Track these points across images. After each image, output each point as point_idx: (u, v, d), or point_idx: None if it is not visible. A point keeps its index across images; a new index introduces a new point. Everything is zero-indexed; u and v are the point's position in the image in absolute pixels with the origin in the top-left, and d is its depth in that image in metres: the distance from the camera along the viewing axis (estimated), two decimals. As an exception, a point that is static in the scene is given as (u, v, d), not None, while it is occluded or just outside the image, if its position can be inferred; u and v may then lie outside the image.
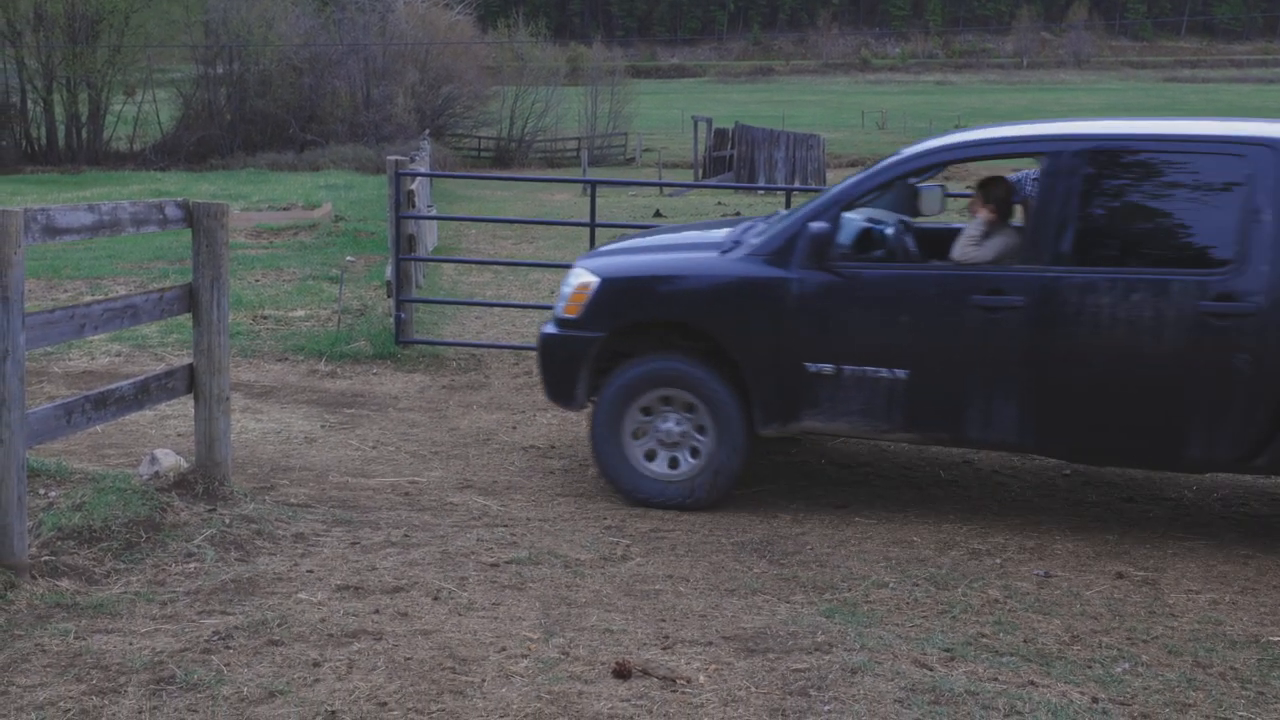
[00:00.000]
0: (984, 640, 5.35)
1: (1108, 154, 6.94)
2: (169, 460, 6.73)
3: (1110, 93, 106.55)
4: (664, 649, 4.83)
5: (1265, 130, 6.78)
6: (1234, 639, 5.54)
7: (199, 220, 6.52)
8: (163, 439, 8.45)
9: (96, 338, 10.84)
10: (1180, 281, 6.58)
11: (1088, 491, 7.83)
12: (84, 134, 54.15)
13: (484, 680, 4.51)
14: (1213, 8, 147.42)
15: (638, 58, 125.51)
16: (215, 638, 4.68)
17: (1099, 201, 6.91)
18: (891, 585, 6.11)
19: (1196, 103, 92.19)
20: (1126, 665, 5.17)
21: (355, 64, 53.97)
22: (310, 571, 5.53)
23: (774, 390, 7.20)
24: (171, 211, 6.46)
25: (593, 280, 7.52)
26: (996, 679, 4.82)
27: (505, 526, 6.76)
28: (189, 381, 6.58)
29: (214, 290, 6.52)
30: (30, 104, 54.66)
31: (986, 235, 7.39)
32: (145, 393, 6.30)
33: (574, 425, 9.25)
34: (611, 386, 7.41)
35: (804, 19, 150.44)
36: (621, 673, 4.54)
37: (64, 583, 5.20)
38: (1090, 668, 5.11)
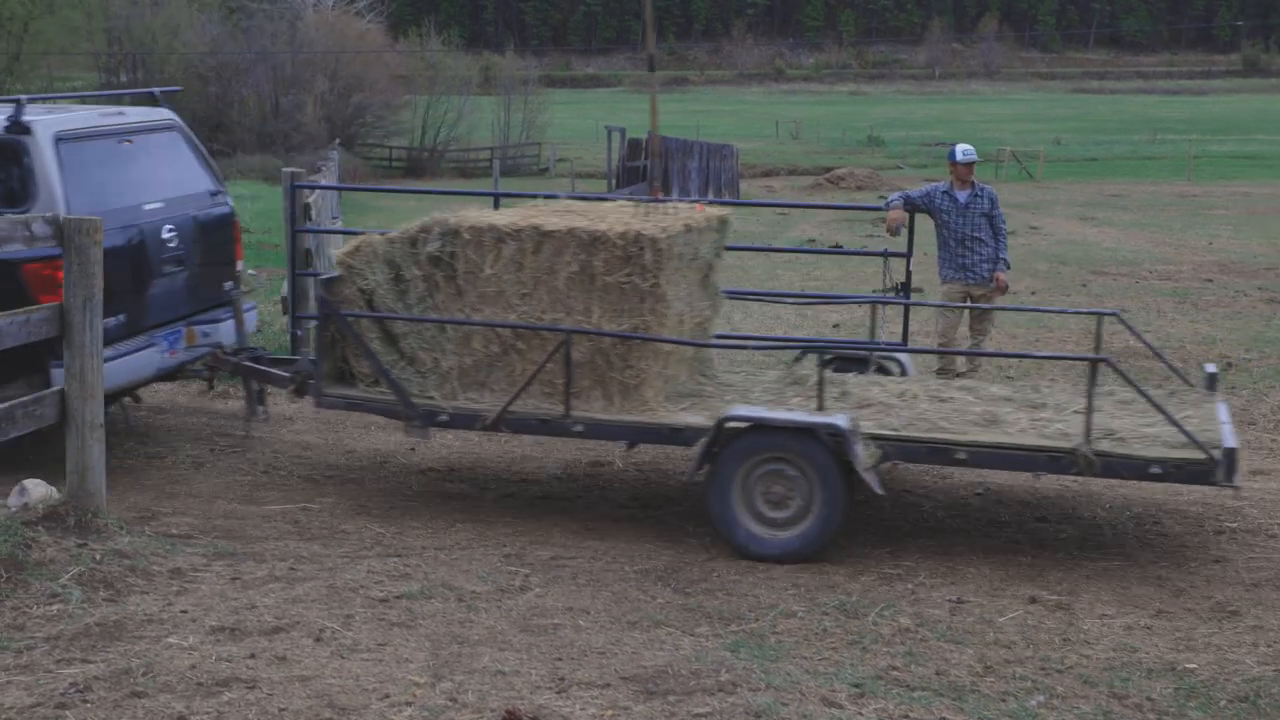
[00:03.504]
0: (895, 674, 5.14)
1: None
2: (39, 491, 6.34)
3: (1020, 103, 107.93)
4: (558, 692, 4.55)
5: None
6: (1150, 667, 5.38)
7: (70, 237, 6.14)
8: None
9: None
10: None
11: (1000, 510, 7.67)
12: (-18, 143, 52.69)
13: (364, 731, 4.21)
14: (1119, 20, 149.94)
15: (552, 67, 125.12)
16: (72, 690, 4.33)
17: None
18: (800, 614, 5.89)
19: (1104, 113, 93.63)
20: (1041, 698, 4.99)
21: (263, 72, 53.06)
22: (184, 612, 5.19)
23: None
24: (39, 228, 6.09)
25: None
26: (908, 716, 4.60)
27: (399, 556, 6.45)
28: (59, 408, 6.20)
29: (86, 311, 6.15)
30: (-74, 112, 53.10)
31: None
32: (10, 420, 5.91)
33: (475, 446, 8.95)
34: None
35: (719, 29, 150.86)
36: (512, 720, 4.27)
37: (-87, 629, 4.82)
38: (1004, 701, 4.92)
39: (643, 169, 38.22)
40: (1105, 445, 6.57)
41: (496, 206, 11.17)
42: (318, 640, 4.95)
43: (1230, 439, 6.50)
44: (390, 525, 7.16)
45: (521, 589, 6.01)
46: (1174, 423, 6.53)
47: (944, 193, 9.86)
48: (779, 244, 22.16)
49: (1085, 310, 10.48)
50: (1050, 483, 8.00)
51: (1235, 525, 7.32)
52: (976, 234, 9.73)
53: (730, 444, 6.76)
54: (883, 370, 8.36)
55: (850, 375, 8.08)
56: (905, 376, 8.25)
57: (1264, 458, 8.72)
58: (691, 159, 37.77)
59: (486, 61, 78.06)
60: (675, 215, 7.66)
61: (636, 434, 7.25)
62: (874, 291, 12.84)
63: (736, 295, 9.83)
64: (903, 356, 8.50)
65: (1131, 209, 33.10)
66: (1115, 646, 5.62)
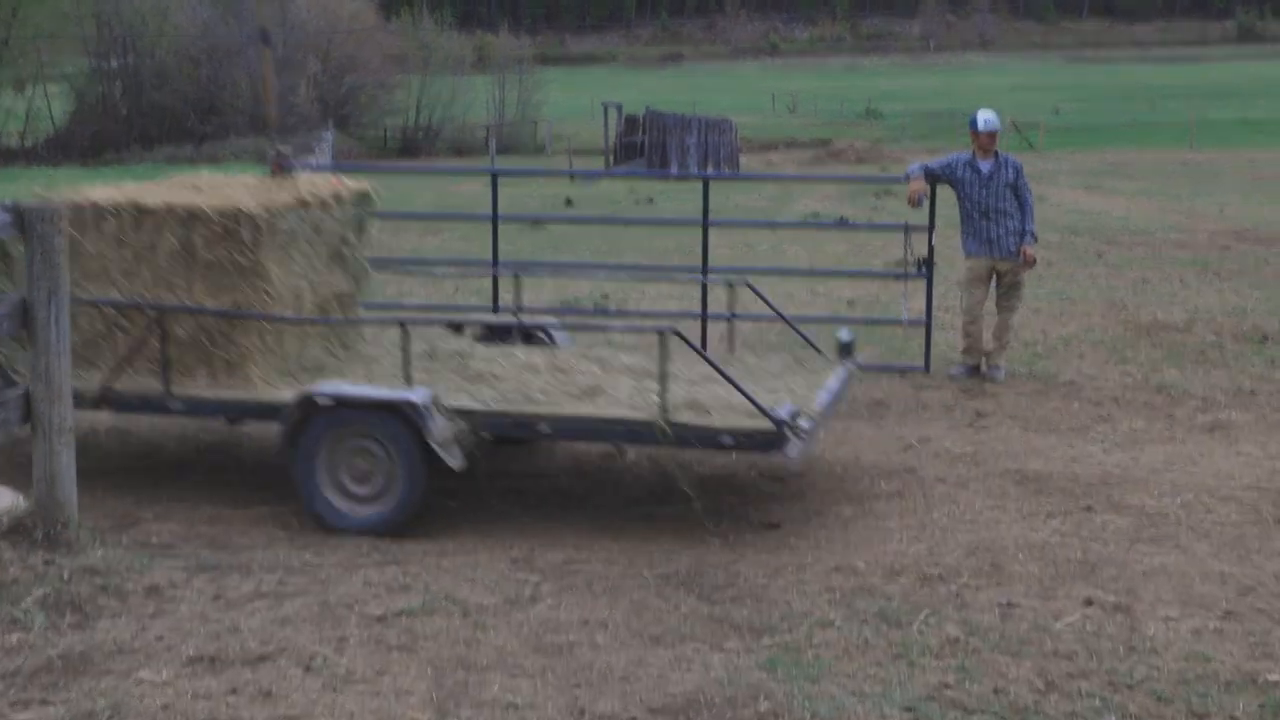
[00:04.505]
0: (949, 693, 4.63)
1: None
2: (4, 501, 5.82)
3: (1017, 73, 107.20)
4: (579, 727, 4.05)
5: None
6: (1227, 679, 4.86)
7: (31, 226, 5.61)
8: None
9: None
10: None
11: (1041, 501, 7.14)
12: (-30, 131, 52.11)
13: (360, 780, 3.71)
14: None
15: (545, 45, 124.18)
16: (29, 737, 3.83)
17: None
18: (837, 623, 5.37)
19: (1101, 81, 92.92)
20: (1113, 718, 4.48)
21: (255, 54, 52.33)
22: (159, 638, 4.67)
23: None
24: (-4, 215, 5.56)
25: None
26: (970, 746, 4.09)
27: (397, 564, 5.93)
28: (24, 411, 5.68)
29: (51, 305, 5.62)
30: (-86, 100, 52.49)
31: None
32: (-33, 427, 5.40)
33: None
34: None
35: (712, 5, 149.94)
36: (527, 763, 3.77)
37: None
38: (1073, 723, 4.41)
39: (640, 144, 37.69)
40: (686, 416, 6.60)
41: (495, 185, 10.69)
42: (307, 670, 4.44)
43: (788, 409, 6.41)
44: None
45: (532, 600, 5.50)
46: (740, 390, 6.50)
47: (966, 163, 9.35)
48: (782, 218, 21.65)
49: (718, 279, 10.13)
50: (1092, 469, 7.50)
51: (1296, 512, 6.79)
52: (1001, 205, 9.23)
53: (315, 419, 6.67)
54: (531, 340, 8.28)
55: (493, 346, 8.06)
56: (556, 347, 8.17)
57: (1318, 437, 8.17)
58: (690, 134, 37.17)
59: (480, 40, 77.28)
60: (295, 190, 7.51)
61: (235, 410, 7.26)
62: (888, 266, 12.34)
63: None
64: (553, 328, 8.47)
65: (1136, 177, 32.57)
66: (1186, 655, 5.11)
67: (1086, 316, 11.90)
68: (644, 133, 37.55)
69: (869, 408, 9.04)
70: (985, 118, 9.41)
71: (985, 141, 9.30)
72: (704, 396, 6.90)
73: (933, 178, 9.45)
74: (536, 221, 19.29)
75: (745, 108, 70.05)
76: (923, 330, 9.98)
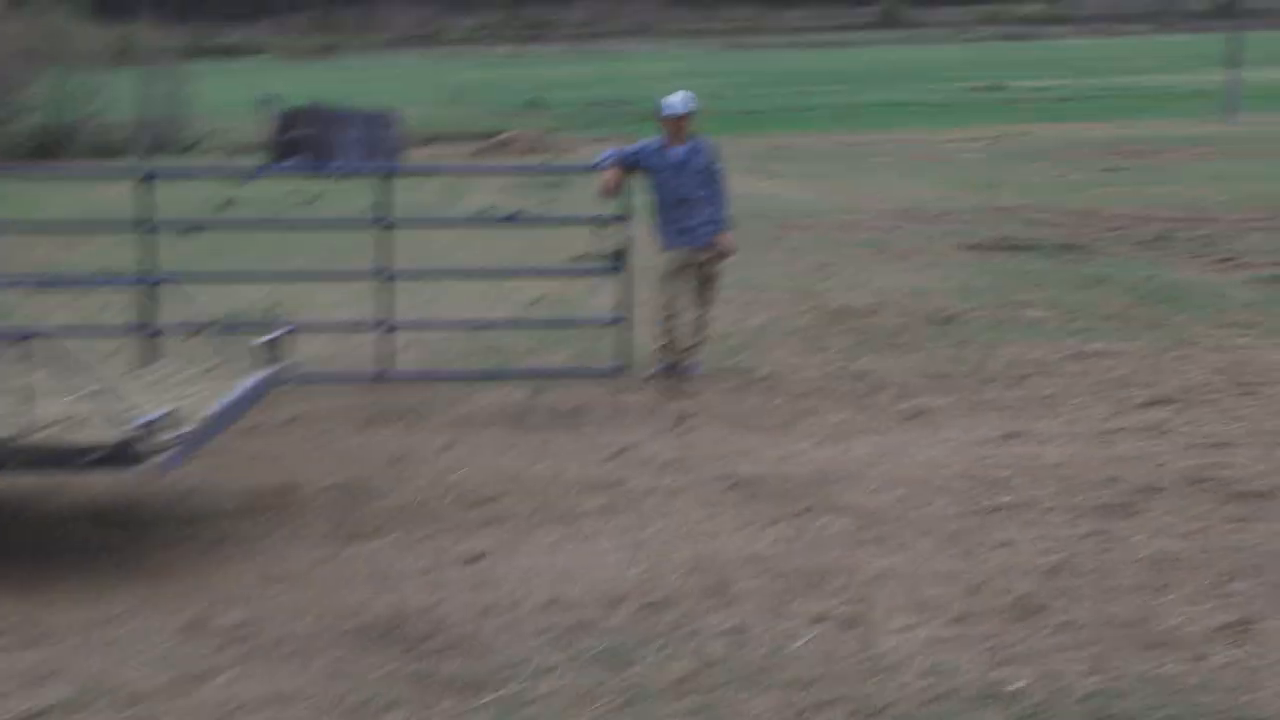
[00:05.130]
0: (693, 744, 4.16)
1: None
2: None
3: (677, 60, 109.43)
4: None
5: None
6: (971, 695, 4.60)
7: None
8: None
9: None
10: None
11: (758, 507, 6.73)
12: None
13: None
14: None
15: (194, 36, 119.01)
16: None
17: None
18: (560, 669, 4.85)
19: (758, 67, 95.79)
20: (871, 755, 4.11)
21: None
22: None
23: None
24: None
25: None
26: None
27: (40, 644, 5.05)
28: None
29: None
30: None
31: None
32: None
33: (131, 482, 7.47)
34: None
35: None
36: None
37: None
38: (830, 769, 4.02)
39: (300, 139, 36.26)
40: (47, 434, 5.78)
41: (143, 188, 9.64)
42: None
43: (147, 418, 5.66)
44: (30, 597, 5.69)
45: (207, 676, 4.74)
46: (102, 398, 5.80)
47: (656, 150, 8.97)
48: (455, 213, 21.00)
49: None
50: (804, 467, 7.23)
51: (1009, 499, 6.64)
52: (698, 193, 8.89)
53: None
54: None
55: None
56: None
57: (1011, 418, 8.14)
58: (352, 128, 35.96)
59: (122, 32, 73.09)
60: None
61: None
62: (574, 261, 11.90)
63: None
64: None
65: (799, 160, 33.37)
66: (926, 670, 4.81)
67: (775, 304, 11.77)
68: (305, 127, 36.10)
69: (565, 415, 8.55)
70: (669, 101, 9.04)
71: (673, 127, 8.93)
72: (89, 411, 5.89)
73: (626, 165, 9.04)
74: (191, 228, 17.92)
75: (408, 99, 68.65)
76: (616, 329, 9.55)
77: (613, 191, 9.00)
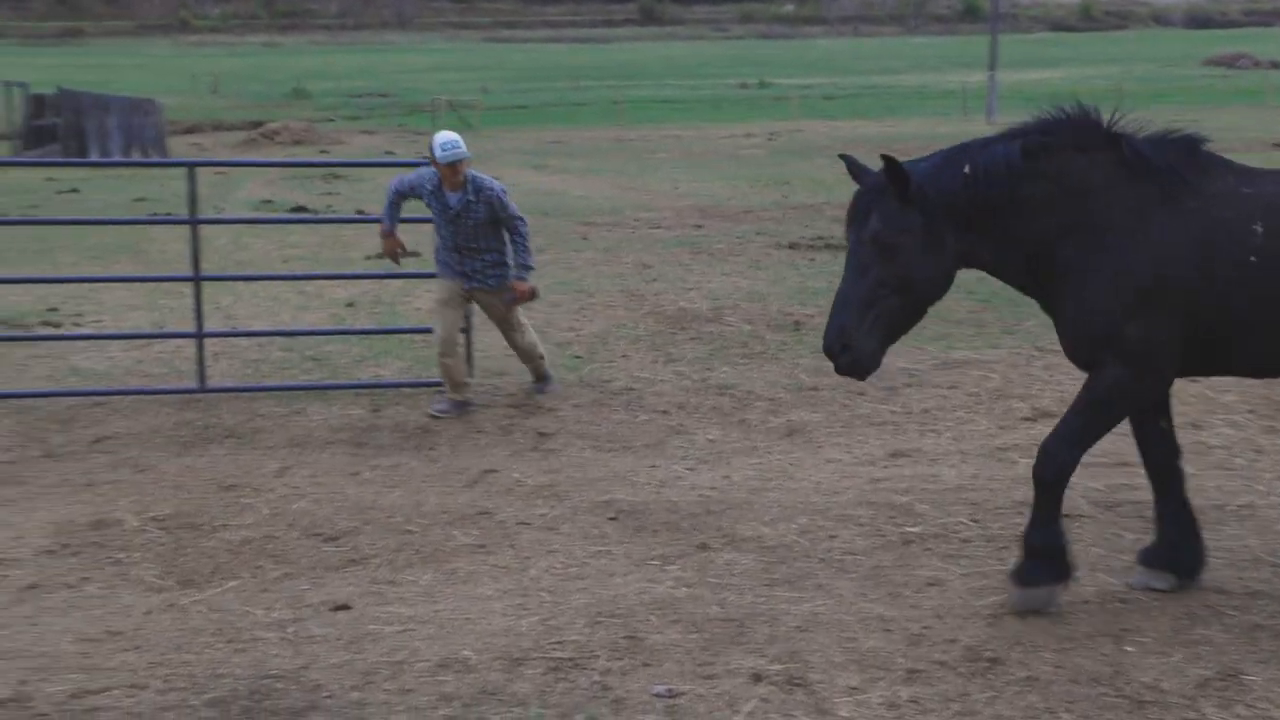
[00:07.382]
0: None
1: None
2: None
3: (438, 53, 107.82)
4: None
5: None
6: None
7: None
8: None
9: None
10: None
11: (648, 541, 6.09)
12: None
13: None
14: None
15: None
16: None
17: None
18: (471, 754, 4.12)
19: (521, 61, 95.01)
20: None
21: None
22: None
23: None
24: None
25: None
26: None
27: None
28: None
29: None
30: None
31: None
32: None
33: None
34: None
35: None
36: None
37: None
38: None
39: (54, 128, 33.95)
40: None
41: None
42: None
43: None
44: None
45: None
46: None
47: (432, 191, 8.08)
48: (227, 206, 19.75)
49: None
50: (687, 493, 6.61)
51: (919, 529, 6.14)
52: (473, 245, 8.09)
53: None
54: None
55: None
56: None
57: (892, 434, 7.66)
58: (109, 116, 33.76)
59: None
60: None
61: None
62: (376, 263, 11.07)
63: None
64: None
65: (578, 155, 32.80)
66: (890, 732, 4.25)
67: (609, 309, 11.10)
68: (58, 114, 33.74)
69: (413, 435, 7.74)
70: (442, 142, 8.02)
71: (447, 174, 7.96)
72: None
73: (406, 198, 8.23)
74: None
75: (162, 88, 65.56)
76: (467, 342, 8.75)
77: (395, 258, 8.34)
